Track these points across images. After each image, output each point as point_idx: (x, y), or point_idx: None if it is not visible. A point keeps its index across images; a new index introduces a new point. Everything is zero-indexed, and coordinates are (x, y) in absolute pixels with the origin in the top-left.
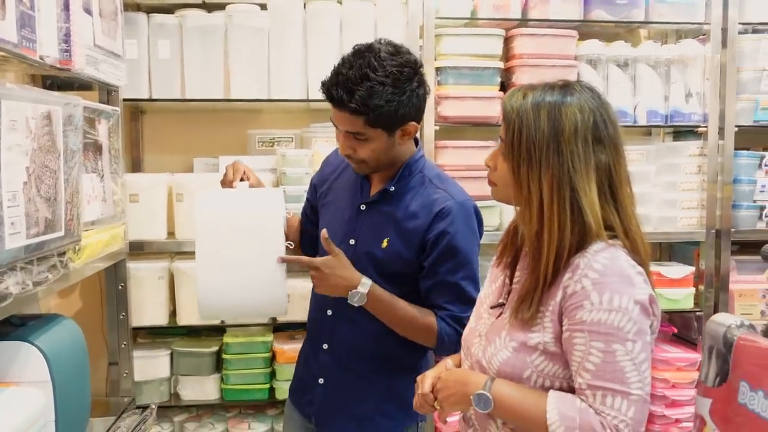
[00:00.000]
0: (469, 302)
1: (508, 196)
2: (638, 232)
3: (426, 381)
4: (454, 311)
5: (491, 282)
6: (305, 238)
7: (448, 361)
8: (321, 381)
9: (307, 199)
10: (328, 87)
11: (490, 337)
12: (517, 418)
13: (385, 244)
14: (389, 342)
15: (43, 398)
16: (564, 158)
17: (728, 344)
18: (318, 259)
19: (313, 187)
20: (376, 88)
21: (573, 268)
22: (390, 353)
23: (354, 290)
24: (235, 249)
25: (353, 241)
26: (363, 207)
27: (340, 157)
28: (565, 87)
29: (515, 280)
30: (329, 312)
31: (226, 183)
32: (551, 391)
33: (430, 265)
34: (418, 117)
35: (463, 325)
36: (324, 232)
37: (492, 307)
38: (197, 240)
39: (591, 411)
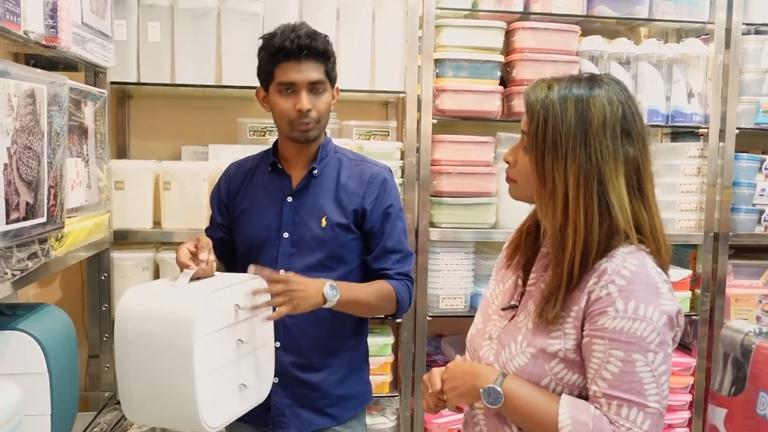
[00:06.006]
0: (409, 256)
1: (529, 193)
2: (662, 231)
3: (435, 378)
4: (399, 268)
5: (499, 282)
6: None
7: (458, 357)
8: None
9: (216, 224)
10: (291, 41)
11: (503, 340)
12: (526, 418)
13: (324, 222)
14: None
15: (19, 392)
16: (592, 150)
17: (746, 352)
18: (283, 274)
19: (223, 206)
20: (326, 38)
21: (599, 273)
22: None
23: (327, 287)
24: (146, 361)
25: (287, 234)
26: (290, 199)
27: (244, 166)
28: (592, 79)
29: (530, 282)
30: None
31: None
32: (564, 395)
33: (372, 229)
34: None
35: (409, 277)
36: (251, 267)
37: (503, 309)
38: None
39: (605, 419)
